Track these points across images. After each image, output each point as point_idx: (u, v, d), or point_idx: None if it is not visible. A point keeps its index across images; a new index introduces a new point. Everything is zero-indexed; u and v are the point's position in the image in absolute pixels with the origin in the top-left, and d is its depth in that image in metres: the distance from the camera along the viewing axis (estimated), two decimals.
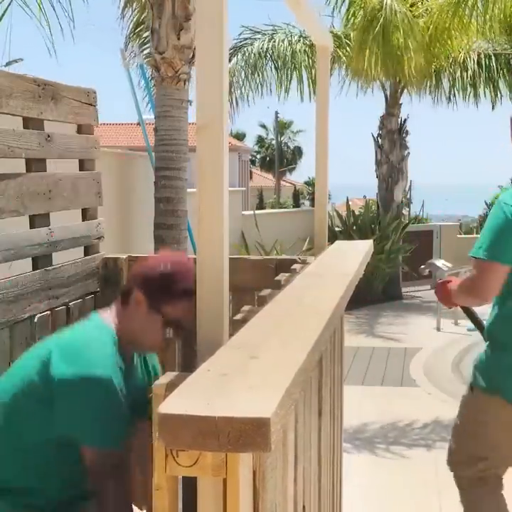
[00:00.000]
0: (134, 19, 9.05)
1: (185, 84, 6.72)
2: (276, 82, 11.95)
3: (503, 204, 2.65)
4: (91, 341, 1.99)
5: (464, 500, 3.01)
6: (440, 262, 3.35)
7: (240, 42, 11.97)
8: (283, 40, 11.85)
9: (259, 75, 11.90)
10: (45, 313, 2.66)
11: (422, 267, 3.47)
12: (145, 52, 9.26)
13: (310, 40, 10.55)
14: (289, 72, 11.84)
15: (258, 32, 12.12)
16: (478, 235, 2.77)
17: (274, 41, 11.86)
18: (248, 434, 0.89)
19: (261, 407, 0.93)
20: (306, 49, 11.63)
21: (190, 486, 1.07)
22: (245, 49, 11.93)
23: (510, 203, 2.65)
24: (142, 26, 9.13)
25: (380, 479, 4.55)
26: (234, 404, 0.95)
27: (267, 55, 11.87)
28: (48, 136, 2.70)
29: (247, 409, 0.92)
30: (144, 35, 9.21)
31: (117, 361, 1.99)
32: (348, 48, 11.26)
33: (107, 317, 2.10)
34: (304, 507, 1.69)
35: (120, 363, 2.01)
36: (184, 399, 0.97)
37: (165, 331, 2.08)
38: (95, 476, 1.96)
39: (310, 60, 11.44)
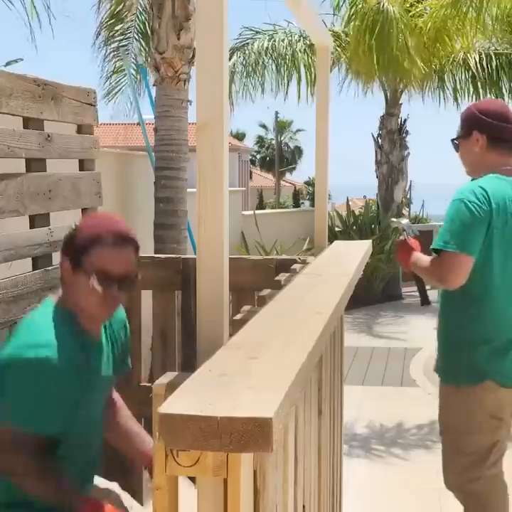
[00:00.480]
0: (110, 10, 9.24)
1: (185, 84, 6.72)
2: (277, 80, 11.97)
3: (467, 201, 2.81)
4: (33, 326, 1.96)
5: (478, 500, 3.00)
6: (406, 221, 3.47)
7: (241, 42, 11.98)
8: (283, 40, 11.85)
9: (258, 74, 11.91)
10: None
11: (394, 219, 3.62)
12: (113, 45, 9.45)
13: (310, 40, 10.55)
14: (289, 71, 11.84)
15: (258, 32, 12.13)
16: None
17: (274, 41, 11.86)
18: (250, 435, 0.89)
19: (263, 407, 0.93)
20: (306, 48, 11.63)
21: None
22: (245, 47, 11.94)
23: (471, 199, 2.81)
24: (115, 19, 9.29)
25: (380, 479, 4.55)
26: (236, 404, 0.95)
27: (267, 54, 11.87)
28: (48, 136, 2.70)
29: (249, 409, 0.92)
30: (116, 27, 9.38)
31: (69, 338, 1.93)
32: (347, 47, 11.26)
33: (55, 297, 2.06)
34: (303, 507, 1.69)
35: (78, 339, 1.96)
36: (185, 399, 0.97)
37: (99, 287, 1.94)
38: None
39: (310, 59, 11.44)
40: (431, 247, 2.91)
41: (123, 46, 9.46)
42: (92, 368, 2.02)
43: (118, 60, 9.58)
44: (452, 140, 3.14)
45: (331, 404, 2.36)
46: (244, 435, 0.89)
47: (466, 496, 3.02)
